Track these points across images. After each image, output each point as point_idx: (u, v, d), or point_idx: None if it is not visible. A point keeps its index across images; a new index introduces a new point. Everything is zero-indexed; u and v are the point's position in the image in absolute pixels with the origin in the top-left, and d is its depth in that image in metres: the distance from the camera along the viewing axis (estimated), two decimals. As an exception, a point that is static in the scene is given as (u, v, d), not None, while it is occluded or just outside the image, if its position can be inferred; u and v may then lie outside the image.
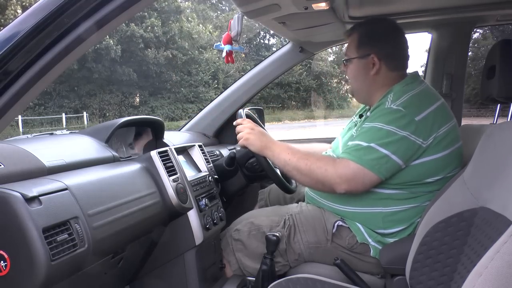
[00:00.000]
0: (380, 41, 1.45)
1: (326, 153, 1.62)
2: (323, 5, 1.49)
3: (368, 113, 1.42)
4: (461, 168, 1.36)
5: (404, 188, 1.35)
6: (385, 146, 1.27)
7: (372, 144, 1.28)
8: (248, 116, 1.71)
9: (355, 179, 1.29)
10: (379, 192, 1.36)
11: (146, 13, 22.04)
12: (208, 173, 1.65)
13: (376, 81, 1.45)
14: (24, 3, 17.58)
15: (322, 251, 1.43)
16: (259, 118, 1.94)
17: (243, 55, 24.81)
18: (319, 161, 1.35)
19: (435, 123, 1.30)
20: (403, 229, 1.36)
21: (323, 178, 1.33)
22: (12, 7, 17.25)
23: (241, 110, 1.68)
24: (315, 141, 2.12)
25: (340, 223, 1.42)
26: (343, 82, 24.28)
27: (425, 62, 2.29)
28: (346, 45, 1.57)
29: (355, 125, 1.51)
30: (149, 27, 21.61)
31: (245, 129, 1.50)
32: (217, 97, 2.36)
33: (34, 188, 0.99)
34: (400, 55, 1.48)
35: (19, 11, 16.78)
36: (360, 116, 1.54)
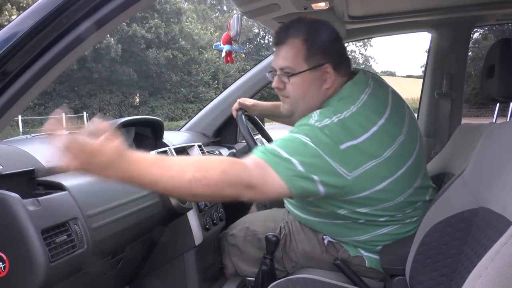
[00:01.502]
0: (332, 46, 1.24)
1: None
2: (322, 5, 1.49)
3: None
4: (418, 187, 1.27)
5: (364, 214, 1.22)
6: (307, 168, 1.06)
7: (293, 159, 1.05)
8: (248, 117, 1.71)
9: (262, 183, 1.03)
10: (350, 222, 1.26)
11: (148, 14, 22.08)
12: (207, 173, 1.65)
13: (326, 95, 1.24)
14: (21, 4, 17.59)
15: (318, 260, 1.40)
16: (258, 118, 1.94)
17: (243, 55, 24.81)
18: (221, 163, 1.01)
19: (362, 156, 1.12)
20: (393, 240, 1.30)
21: (233, 185, 1.00)
22: (7, 12, 17.25)
23: (240, 112, 1.68)
24: None
25: (329, 239, 1.36)
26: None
27: (425, 62, 2.29)
28: (277, 54, 1.26)
29: None
30: (152, 28, 21.64)
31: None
32: (217, 97, 2.36)
33: (33, 189, 1.00)
34: (346, 58, 1.29)
35: (14, 17, 16.80)
36: None
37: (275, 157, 1.06)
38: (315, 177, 1.07)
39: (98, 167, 0.88)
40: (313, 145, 1.08)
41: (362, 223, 1.26)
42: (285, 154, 1.06)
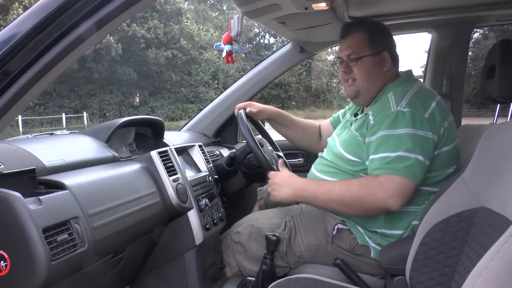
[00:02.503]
0: (388, 39, 1.49)
1: (321, 154, 1.60)
2: (323, 5, 1.49)
3: (370, 115, 1.38)
4: (458, 167, 1.37)
5: None
6: (412, 151, 1.26)
7: (400, 153, 1.26)
8: (249, 118, 1.71)
9: (403, 191, 1.25)
10: None
11: (148, 15, 22.08)
12: (208, 173, 1.65)
13: (385, 78, 1.46)
14: (24, 3, 17.62)
15: (322, 253, 1.43)
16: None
17: (243, 55, 24.81)
18: (362, 187, 1.28)
19: (440, 118, 1.32)
20: (403, 231, 1.36)
21: (375, 204, 1.26)
22: (15, 11, 17.30)
23: (241, 111, 1.68)
24: None
25: (341, 226, 1.42)
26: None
27: (425, 63, 2.29)
28: (343, 45, 1.51)
29: (351, 124, 1.50)
30: (152, 28, 21.64)
31: (270, 185, 1.46)
32: (217, 97, 2.36)
33: (34, 188, 1.00)
34: (397, 53, 1.52)
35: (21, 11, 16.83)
36: (355, 114, 1.54)
37: (389, 164, 1.27)
38: (420, 155, 1.26)
39: (281, 199, 1.43)
40: (406, 131, 1.27)
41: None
42: (392, 154, 1.27)
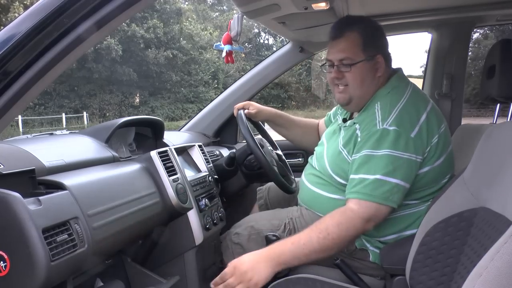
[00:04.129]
0: (382, 40, 1.41)
1: (310, 161, 1.56)
2: (323, 5, 1.49)
3: (358, 130, 1.33)
4: (451, 176, 1.35)
5: None
6: (391, 175, 1.21)
7: (378, 176, 1.21)
8: (248, 118, 1.71)
9: (378, 216, 1.24)
10: None
11: (147, 14, 22.08)
12: (208, 173, 1.65)
13: (378, 83, 1.38)
14: (25, 2, 17.64)
15: None
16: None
17: (243, 55, 24.80)
18: (341, 225, 1.21)
19: (428, 135, 1.26)
20: (399, 235, 1.35)
21: (356, 233, 1.25)
22: (16, 9, 17.32)
23: (241, 112, 1.68)
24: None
25: None
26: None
27: (425, 63, 2.29)
28: (335, 47, 1.38)
29: (340, 129, 1.46)
30: (151, 28, 21.64)
31: (239, 280, 1.20)
32: (217, 97, 2.36)
33: (33, 189, 1.00)
34: (389, 52, 1.43)
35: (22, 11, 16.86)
36: (344, 120, 1.48)
37: (364, 188, 1.23)
38: (401, 181, 1.22)
39: (264, 280, 1.19)
40: (389, 152, 1.22)
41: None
42: (370, 177, 1.22)
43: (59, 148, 1.26)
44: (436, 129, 1.29)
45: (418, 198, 1.33)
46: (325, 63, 1.44)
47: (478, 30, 17.96)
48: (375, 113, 1.30)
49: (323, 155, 1.47)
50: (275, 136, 1.98)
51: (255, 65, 2.33)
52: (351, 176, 1.28)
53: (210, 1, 29.81)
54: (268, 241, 1.40)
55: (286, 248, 1.22)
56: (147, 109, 22.03)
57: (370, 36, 1.36)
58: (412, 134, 1.24)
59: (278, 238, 1.40)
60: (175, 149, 1.54)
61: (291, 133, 1.86)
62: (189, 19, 24.01)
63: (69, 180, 1.06)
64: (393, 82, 1.38)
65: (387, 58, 1.40)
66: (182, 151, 1.65)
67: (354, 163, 1.29)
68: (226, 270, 1.23)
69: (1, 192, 0.87)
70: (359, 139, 1.31)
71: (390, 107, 1.28)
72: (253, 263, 1.20)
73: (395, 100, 1.30)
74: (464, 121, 2.03)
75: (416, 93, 1.36)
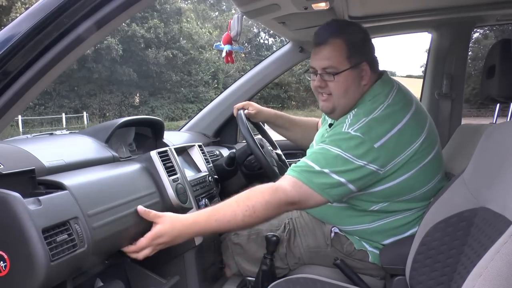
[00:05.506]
0: (367, 45, 1.34)
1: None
2: (323, 5, 1.49)
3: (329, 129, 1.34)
4: (443, 176, 1.35)
5: (385, 201, 1.30)
6: (339, 174, 1.18)
7: (325, 170, 1.18)
8: (248, 119, 1.71)
9: (303, 201, 1.19)
10: (361, 209, 1.33)
11: (148, 14, 22.09)
12: (208, 173, 1.65)
13: (363, 91, 1.33)
14: (27, 5, 17.66)
15: (322, 255, 1.43)
16: None
17: (243, 55, 24.81)
18: (268, 203, 1.17)
19: (397, 148, 1.22)
20: (395, 238, 1.34)
21: (277, 213, 1.21)
22: (18, 10, 17.35)
23: (241, 112, 1.68)
24: None
25: (336, 230, 1.41)
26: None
27: (425, 62, 2.29)
28: (318, 54, 1.32)
29: (327, 133, 1.42)
30: (152, 28, 21.65)
31: (149, 244, 1.18)
32: (217, 97, 2.36)
33: (33, 189, 0.99)
34: (375, 56, 1.38)
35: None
36: (330, 125, 1.45)
37: (308, 173, 1.20)
38: (348, 183, 1.19)
39: (168, 244, 1.18)
40: (344, 154, 1.19)
41: (376, 211, 1.31)
42: (317, 167, 1.19)
43: (59, 148, 1.26)
44: (409, 143, 1.24)
45: (410, 202, 1.31)
46: (308, 69, 1.39)
47: (478, 30, 17.96)
48: (347, 117, 1.27)
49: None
50: (275, 136, 1.98)
51: (255, 65, 2.33)
52: (302, 159, 1.25)
53: (209, 1, 29.81)
54: (268, 241, 1.41)
55: (210, 226, 1.18)
56: (147, 109, 22.04)
57: (355, 43, 1.30)
58: (376, 144, 1.19)
59: (277, 238, 1.40)
60: (175, 149, 1.54)
61: (292, 133, 1.86)
62: (189, 19, 24.01)
63: (69, 180, 1.06)
64: (376, 89, 1.32)
65: (373, 63, 1.34)
66: (182, 151, 1.65)
67: (310, 151, 1.28)
68: (149, 235, 1.18)
69: (1, 192, 0.87)
70: (326, 135, 1.30)
71: (363, 115, 1.25)
72: (171, 238, 1.18)
73: (371, 109, 1.26)
74: (464, 121, 2.03)
75: (397, 101, 1.29)
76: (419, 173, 1.26)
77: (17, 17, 0.85)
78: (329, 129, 1.41)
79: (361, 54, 1.31)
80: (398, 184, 1.25)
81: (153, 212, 1.20)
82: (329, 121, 1.51)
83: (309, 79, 1.40)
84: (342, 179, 1.19)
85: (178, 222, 1.19)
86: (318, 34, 1.33)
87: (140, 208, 1.19)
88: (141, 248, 1.17)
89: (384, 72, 1.39)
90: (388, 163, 1.21)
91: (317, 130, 1.87)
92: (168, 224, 1.18)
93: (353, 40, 1.30)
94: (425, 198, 1.31)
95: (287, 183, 1.20)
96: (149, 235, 1.17)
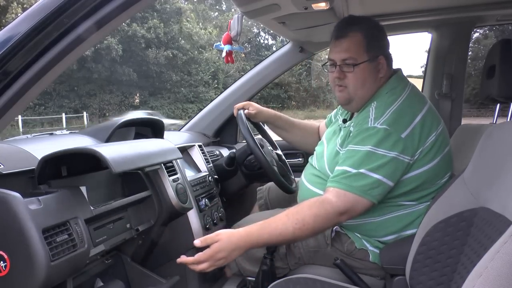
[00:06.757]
0: (384, 40, 1.41)
1: (310, 161, 1.56)
2: (323, 5, 1.49)
3: (351, 127, 1.35)
4: (450, 176, 1.35)
5: (392, 199, 1.32)
6: (375, 171, 1.21)
7: (361, 170, 1.22)
8: (248, 119, 1.71)
9: (351, 208, 1.23)
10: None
11: (148, 14, 22.10)
12: (208, 173, 1.65)
13: (379, 84, 1.38)
14: (25, 6, 17.66)
15: (322, 255, 1.43)
16: None
17: (243, 55, 24.81)
18: (317, 216, 1.21)
19: (422, 136, 1.26)
20: (398, 235, 1.35)
21: (328, 226, 1.27)
22: (14, 10, 17.34)
23: (241, 112, 1.68)
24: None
25: (338, 228, 1.41)
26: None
27: (425, 62, 2.29)
28: (338, 47, 1.37)
29: (340, 129, 1.47)
30: (152, 28, 21.65)
31: (208, 259, 1.17)
32: (217, 97, 2.36)
33: (34, 189, 0.99)
34: (390, 53, 1.43)
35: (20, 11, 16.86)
36: (344, 120, 1.49)
37: (346, 179, 1.23)
38: (385, 178, 1.22)
39: (227, 259, 1.18)
40: (375, 150, 1.22)
41: (388, 203, 1.33)
42: (353, 170, 1.23)
43: (59, 148, 1.26)
44: (431, 131, 1.29)
45: (416, 199, 1.33)
46: (326, 62, 1.44)
47: (478, 30, 17.96)
48: (369, 111, 1.31)
49: (323, 155, 1.47)
50: (275, 136, 1.98)
51: (255, 65, 2.33)
52: (336, 167, 1.29)
53: (209, 1, 29.82)
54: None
55: (262, 238, 1.22)
56: (147, 109, 22.02)
57: (373, 37, 1.36)
58: (403, 134, 1.24)
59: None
60: (175, 149, 1.53)
61: (290, 135, 1.86)
62: (189, 18, 24.02)
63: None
64: (393, 82, 1.39)
65: (388, 58, 1.40)
66: (182, 151, 1.65)
67: (340, 157, 1.31)
68: (208, 251, 1.18)
69: (1, 192, 0.87)
70: (350, 135, 1.33)
71: (385, 107, 1.29)
72: (229, 252, 1.19)
73: (392, 101, 1.31)
74: (464, 121, 2.03)
75: (413, 94, 1.36)
76: (436, 166, 1.30)
77: (13, 17, 0.85)
78: (343, 124, 1.46)
79: (378, 48, 1.37)
80: (419, 174, 1.28)
81: (209, 236, 1.20)
82: (342, 117, 1.54)
83: (327, 71, 1.46)
84: (379, 176, 1.21)
85: (233, 235, 1.21)
86: (338, 28, 1.40)
87: (196, 241, 1.18)
88: (199, 261, 1.18)
89: (399, 69, 1.45)
90: (415, 152, 1.25)
91: (318, 134, 1.87)
92: (225, 239, 1.19)
93: (371, 34, 1.36)
94: (429, 195, 1.33)
95: (331, 194, 1.24)
96: (208, 252, 1.17)
